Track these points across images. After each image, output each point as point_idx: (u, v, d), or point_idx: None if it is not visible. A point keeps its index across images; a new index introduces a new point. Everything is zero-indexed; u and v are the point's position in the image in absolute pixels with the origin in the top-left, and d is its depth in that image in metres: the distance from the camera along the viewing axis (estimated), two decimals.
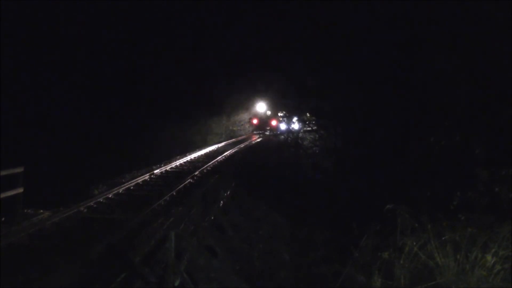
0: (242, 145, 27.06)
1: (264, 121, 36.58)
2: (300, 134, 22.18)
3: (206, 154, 21.52)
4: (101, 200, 9.82)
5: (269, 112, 37.93)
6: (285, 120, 26.18)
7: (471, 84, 7.21)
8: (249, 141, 30.56)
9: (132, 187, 11.71)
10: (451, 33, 7.49)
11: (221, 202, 8.89)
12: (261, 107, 38.02)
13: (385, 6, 9.02)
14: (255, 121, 35.97)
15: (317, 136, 17.73)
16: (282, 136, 25.74)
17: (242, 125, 35.49)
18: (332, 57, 11.93)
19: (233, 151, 23.29)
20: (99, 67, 19.25)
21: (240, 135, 35.05)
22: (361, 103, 11.56)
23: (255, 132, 35.90)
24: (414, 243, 4.83)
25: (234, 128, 34.57)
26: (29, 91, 14.49)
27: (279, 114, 32.68)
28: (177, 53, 26.08)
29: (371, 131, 10.89)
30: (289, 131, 23.16)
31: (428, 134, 7.69)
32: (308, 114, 20.46)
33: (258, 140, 32.11)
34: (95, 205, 9.40)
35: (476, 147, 6.45)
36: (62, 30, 15.92)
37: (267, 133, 35.51)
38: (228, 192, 10.01)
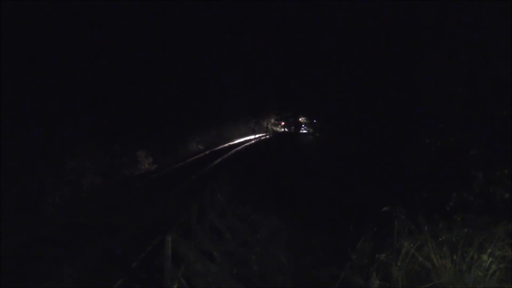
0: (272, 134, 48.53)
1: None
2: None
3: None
4: None
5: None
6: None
7: (467, 84, 7.24)
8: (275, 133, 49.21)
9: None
10: (448, 33, 7.53)
11: None
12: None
13: (384, 6, 9.05)
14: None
15: (312, 138, 17.81)
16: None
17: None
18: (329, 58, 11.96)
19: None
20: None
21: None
22: (355, 104, 11.59)
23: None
24: (411, 245, 4.84)
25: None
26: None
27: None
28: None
29: (366, 132, 10.92)
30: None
31: (424, 135, 7.71)
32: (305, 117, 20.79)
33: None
34: None
35: (471, 148, 6.48)
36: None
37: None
38: None
